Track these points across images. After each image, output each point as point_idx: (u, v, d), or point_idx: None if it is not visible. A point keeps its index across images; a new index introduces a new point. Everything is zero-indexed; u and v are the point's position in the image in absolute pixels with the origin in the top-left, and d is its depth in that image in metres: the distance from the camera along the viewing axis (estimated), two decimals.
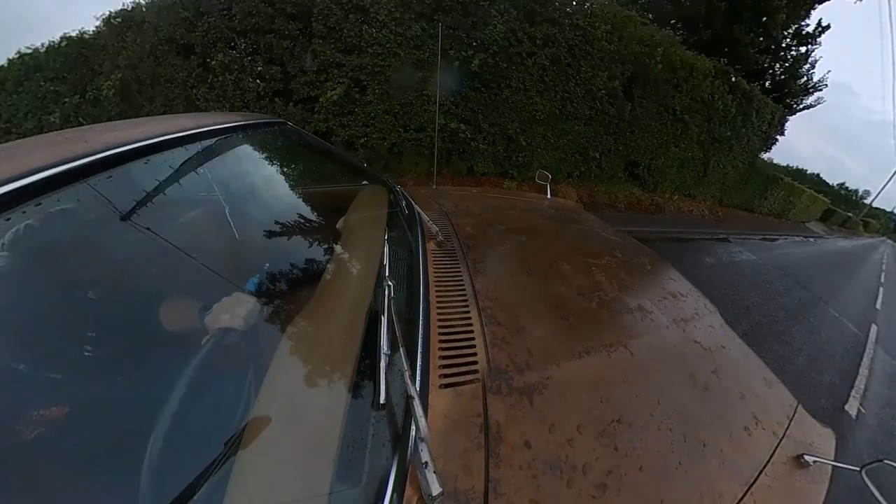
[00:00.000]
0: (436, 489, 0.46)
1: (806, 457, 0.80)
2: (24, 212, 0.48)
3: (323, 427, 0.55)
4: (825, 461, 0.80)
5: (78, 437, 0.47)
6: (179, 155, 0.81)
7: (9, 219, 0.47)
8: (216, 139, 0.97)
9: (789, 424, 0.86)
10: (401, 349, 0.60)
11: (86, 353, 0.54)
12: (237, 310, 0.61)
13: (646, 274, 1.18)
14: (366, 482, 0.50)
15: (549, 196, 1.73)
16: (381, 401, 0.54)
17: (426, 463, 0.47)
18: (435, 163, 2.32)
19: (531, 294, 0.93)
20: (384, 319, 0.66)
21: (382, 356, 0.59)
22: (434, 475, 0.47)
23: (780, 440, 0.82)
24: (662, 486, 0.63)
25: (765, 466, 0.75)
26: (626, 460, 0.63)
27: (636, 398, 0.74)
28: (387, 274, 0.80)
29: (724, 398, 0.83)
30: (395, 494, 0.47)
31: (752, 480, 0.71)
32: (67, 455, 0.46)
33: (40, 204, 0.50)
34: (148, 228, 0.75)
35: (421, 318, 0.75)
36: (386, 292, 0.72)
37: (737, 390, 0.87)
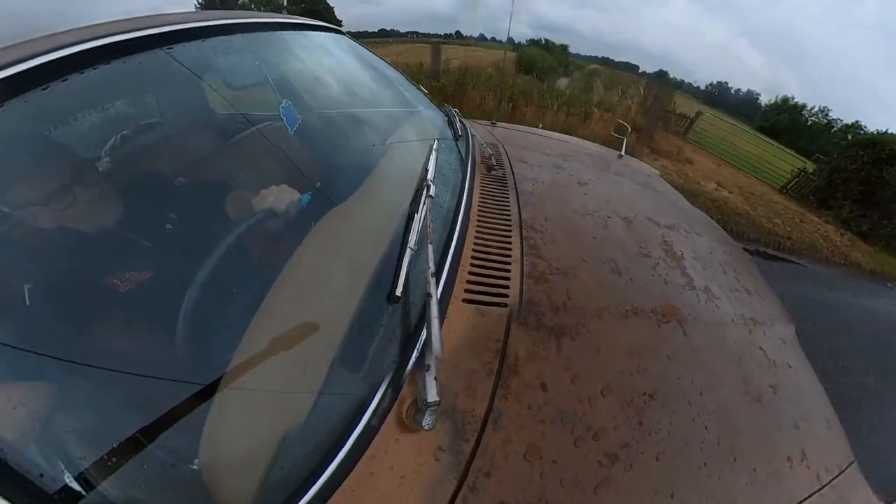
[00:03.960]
0: (431, 396, 0.39)
1: None
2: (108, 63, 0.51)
3: (335, 309, 0.50)
4: None
5: (153, 288, 0.52)
6: (240, 40, 0.82)
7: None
8: (271, 30, 0.97)
9: (838, 476, 0.71)
10: (429, 247, 0.51)
11: (168, 228, 0.60)
12: (281, 196, 0.63)
13: (721, 257, 0.98)
14: (365, 371, 0.45)
15: (622, 153, 1.48)
16: (397, 293, 0.47)
17: (428, 367, 0.40)
18: (500, 100, 2.00)
19: (584, 237, 0.78)
20: (418, 216, 0.57)
21: (408, 250, 0.51)
22: (434, 381, 0.40)
23: (823, 487, 0.69)
24: (679, 482, 0.53)
25: None
26: (648, 440, 0.54)
27: (677, 380, 0.62)
28: (429, 176, 0.70)
29: (776, 419, 0.69)
30: (389, 389, 0.41)
31: None
32: (143, 299, 0.51)
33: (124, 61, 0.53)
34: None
35: (457, 231, 0.65)
36: (424, 192, 0.62)
37: (792, 417, 0.71)
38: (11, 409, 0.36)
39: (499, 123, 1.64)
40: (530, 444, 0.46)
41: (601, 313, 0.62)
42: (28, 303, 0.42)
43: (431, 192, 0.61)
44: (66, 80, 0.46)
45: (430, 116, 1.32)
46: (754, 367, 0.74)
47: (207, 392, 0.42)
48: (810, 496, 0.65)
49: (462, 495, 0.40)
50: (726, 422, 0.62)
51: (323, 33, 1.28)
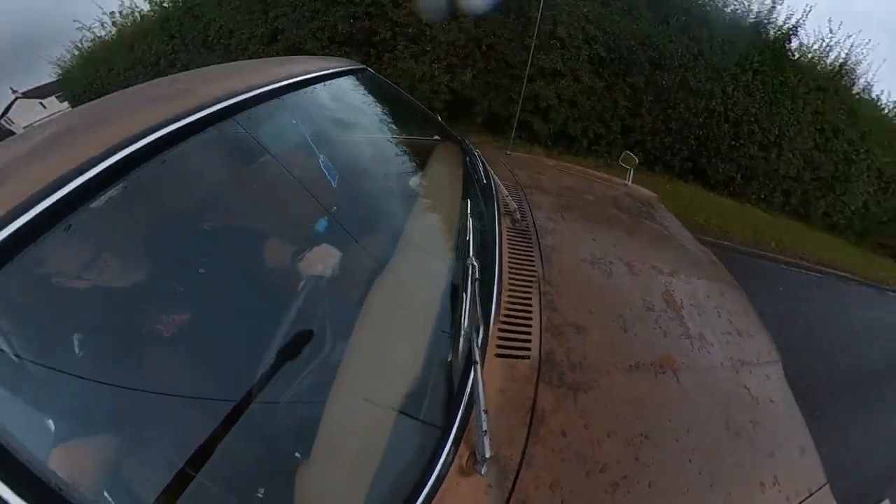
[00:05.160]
0: (489, 453, 0.54)
1: None
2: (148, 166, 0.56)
3: (401, 377, 0.64)
4: None
5: (194, 340, 0.61)
6: (274, 107, 0.88)
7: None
8: (306, 87, 1.02)
9: (807, 498, 0.82)
10: (480, 331, 0.66)
11: (201, 272, 0.68)
12: (327, 260, 0.70)
13: (718, 300, 1.11)
14: (433, 432, 0.59)
15: (628, 181, 1.60)
16: (455, 375, 0.62)
17: (486, 431, 0.56)
18: (514, 126, 2.10)
19: (594, 293, 0.92)
20: (467, 298, 0.70)
21: (462, 330, 0.66)
22: (488, 441, 0.55)
23: None
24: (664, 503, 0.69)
25: None
26: (642, 472, 0.68)
27: (668, 422, 0.76)
28: (471, 253, 0.80)
29: (752, 450, 0.82)
30: (453, 447, 0.57)
31: None
32: (184, 352, 0.60)
33: (164, 160, 0.59)
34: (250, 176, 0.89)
35: (494, 299, 0.79)
36: (470, 272, 0.74)
37: (768, 447, 0.84)
38: (81, 460, 0.43)
39: (513, 154, 1.76)
40: (554, 478, 0.62)
41: (609, 370, 0.76)
42: (79, 352, 0.48)
43: (476, 273, 0.74)
44: (110, 192, 0.51)
45: (452, 152, 1.42)
46: (737, 405, 0.88)
47: (301, 447, 0.57)
48: None
49: None
50: (708, 455, 0.76)
51: (349, 77, 1.34)
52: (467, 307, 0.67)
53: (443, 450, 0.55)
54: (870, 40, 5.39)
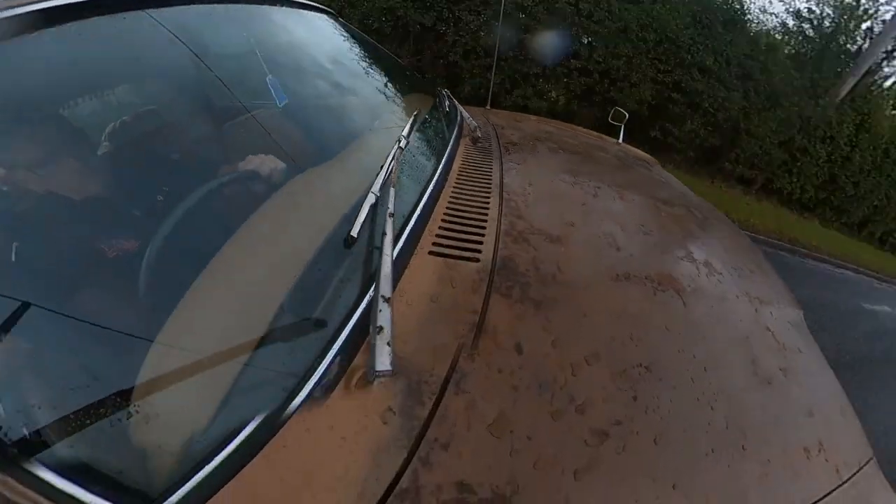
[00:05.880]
0: (382, 364, 0.32)
1: None
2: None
3: (292, 255, 0.45)
4: None
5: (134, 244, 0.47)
6: (224, 9, 0.80)
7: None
8: (263, 4, 0.95)
9: (857, 472, 0.62)
10: (391, 190, 0.46)
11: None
12: (266, 162, 0.59)
13: (723, 238, 0.91)
14: (314, 328, 0.39)
15: (620, 140, 1.43)
16: (354, 234, 0.41)
17: (381, 329, 0.34)
18: (492, 77, 1.87)
19: (571, 203, 0.72)
20: (386, 164, 0.52)
21: (370, 194, 0.46)
22: (387, 348, 0.33)
23: (843, 483, 0.60)
24: (680, 469, 0.44)
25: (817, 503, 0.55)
26: (645, 418, 0.46)
27: (677, 353, 0.54)
28: (404, 133, 0.64)
29: (788, 404, 0.60)
30: (339, 357, 0.35)
31: None
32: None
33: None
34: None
35: (431, 187, 0.60)
36: (396, 145, 0.57)
37: (806, 403, 0.63)
38: None
39: (493, 110, 1.61)
40: (500, 413, 0.39)
41: (587, 275, 0.55)
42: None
43: (402, 143, 0.56)
44: (41, 32, 0.43)
45: (421, 98, 1.28)
46: (762, 348, 0.66)
47: (151, 343, 0.37)
48: (832, 492, 0.56)
49: (412, 468, 0.33)
50: (734, 403, 0.54)
51: (312, 12, 1.26)
52: (382, 172, 0.48)
53: (316, 347, 0.33)
54: None
